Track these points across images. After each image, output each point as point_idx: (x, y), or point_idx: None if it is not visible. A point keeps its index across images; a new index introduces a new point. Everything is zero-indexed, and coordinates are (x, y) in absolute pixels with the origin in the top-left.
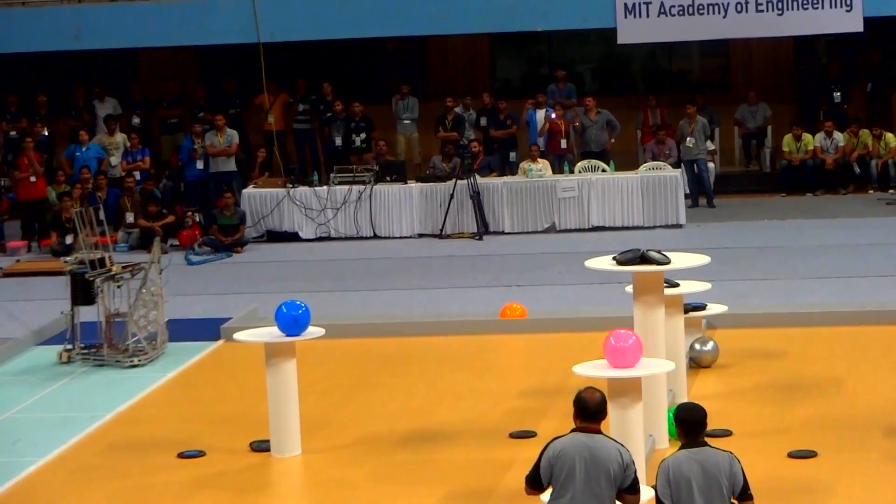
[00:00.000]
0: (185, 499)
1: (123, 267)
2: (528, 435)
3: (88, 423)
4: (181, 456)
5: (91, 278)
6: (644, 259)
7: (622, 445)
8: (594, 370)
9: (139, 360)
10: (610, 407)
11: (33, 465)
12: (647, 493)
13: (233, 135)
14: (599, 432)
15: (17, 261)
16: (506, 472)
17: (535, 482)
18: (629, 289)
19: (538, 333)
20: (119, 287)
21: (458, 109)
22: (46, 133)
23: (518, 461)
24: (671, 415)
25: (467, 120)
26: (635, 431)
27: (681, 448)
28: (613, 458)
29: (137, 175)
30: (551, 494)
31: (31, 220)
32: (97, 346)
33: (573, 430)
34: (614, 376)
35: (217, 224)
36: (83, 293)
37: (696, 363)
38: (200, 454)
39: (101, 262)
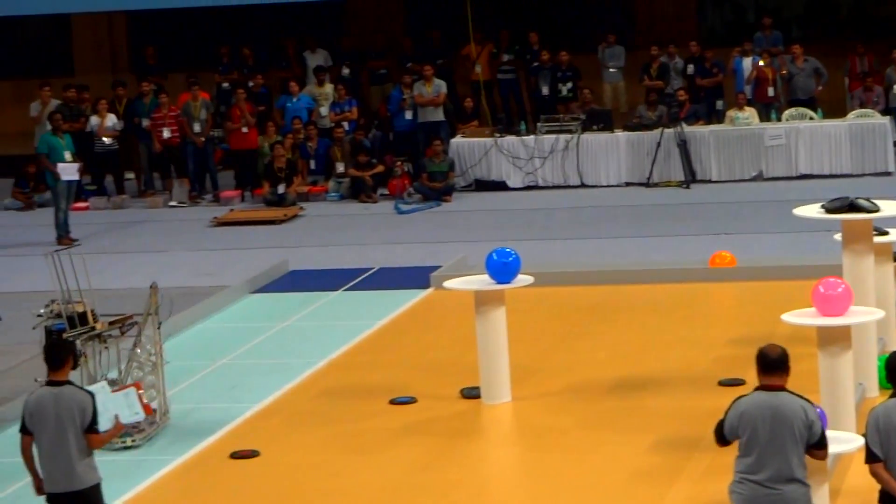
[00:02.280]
0: (396, 444)
1: (111, 323)
2: (737, 383)
3: (302, 369)
4: (393, 402)
5: (71, 339)
6: (853, 207)
7: (807, 401)
8: (803, 318)
9: (133, 441)
10: (820, 356)
11: (249, 410)
12: (856, 442)
13: (441, 85)
14: (783, 389)
15: (231, 210)
16: (714, 419)
17: (721, 438)
18: (838, 237)
19: (747, 281)
20: (106, 348)
21: (663, 58)
22: (263, 83)
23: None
24: (881, 363)
25: (673, 68)
26: (845, 380)
27: (891, 396)
28: (797, 415)
29: (346, 125)
30: (738, 453)
31: (243, 170)
32: None
33: (756, 389)
34: (823, 324)
35: (427, 172)
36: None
37: None
38: (412, 401)
39: (83, 317)
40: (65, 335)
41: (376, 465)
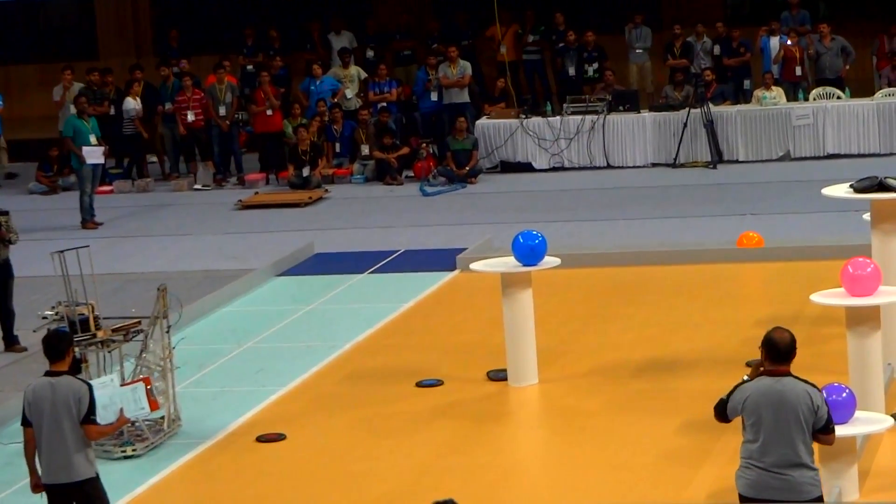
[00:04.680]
0: (423, 427)
1: (114, 329)
2: None
3: (328, 352)
4: (419, 385)
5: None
6: (882, 186)
7: (812, 386)
8: (832, 298)
9: (133, 450)
10: (848, 336)
11: (275, 394)
12: (886, 423)
13: (465, 66)
14: (788, 374)
15: (256, 193)
16: None
17: (722, 416)
18: (867, 216)
19: (775, 262)
20: (110, 352)
21: (690, 38)
22: (282, 65)
23: None
24: None
25: (700, 48)
26: (874, 360)
27: None
28: (803, 400)
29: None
30: (744, 439)
31: (268, 153)
32: None
33: (762, 374)
34: (852, 304)
35: (450, 150)
36: None
37: None
38: (438, 383)
39: (85, 323)
40: None
41: (403, 448)
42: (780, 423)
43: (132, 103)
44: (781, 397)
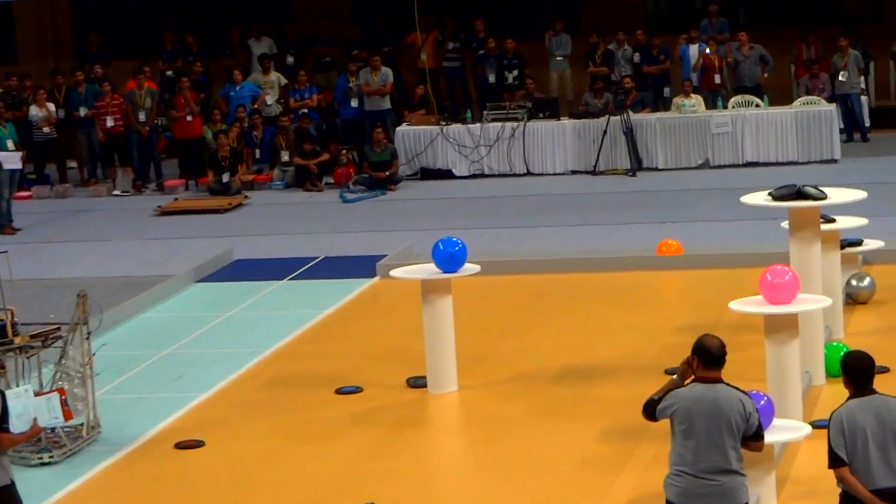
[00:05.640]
0: (342, 434)
1: (32, 336)
2: None
3: (247, 359)
4: (339, 392)
5: None
6: (800, 194)
7: (744, 393)
8: (750, 306)
9: (51, 457)
10: (766, 344)
11: (194, 400)
12: (803, 430)
13: (387, 73)
14: (720, 381)
15: (175, 199)
16: None
17: (650, 416)
18: (785, 224)
19: (693, 269)
20: (28, 359)
21: (610, 46)
22: (202, 70)
23: None
24: (828, 351)
25: (622, 56)
26: (791, 368)
27: (850, 398)
28: (735, 408)
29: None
30: (673, 446)
31: (187, 159)
32: None
33: (694, 380)
34: (770, 312)
35: (369, 161)
36: None
37: (853, 299)
38: (358, 390)
39: (1, 329)
40: None
41: (323, 454)
42: (713, 430)
43: (36, 110)
44: (715, 405)
